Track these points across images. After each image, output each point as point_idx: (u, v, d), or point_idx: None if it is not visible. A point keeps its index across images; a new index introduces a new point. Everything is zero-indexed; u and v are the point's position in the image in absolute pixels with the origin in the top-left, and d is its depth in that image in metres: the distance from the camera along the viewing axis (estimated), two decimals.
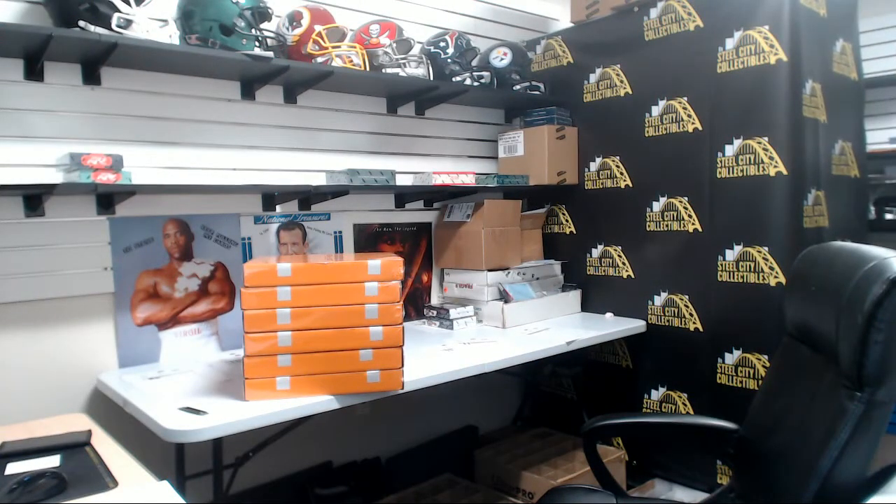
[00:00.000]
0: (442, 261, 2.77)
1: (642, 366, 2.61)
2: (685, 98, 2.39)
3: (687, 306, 2.42)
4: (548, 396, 3.05)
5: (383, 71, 2.32)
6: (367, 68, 2.28)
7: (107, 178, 1.69)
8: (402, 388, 1.67)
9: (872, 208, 3.04)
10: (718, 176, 2.30)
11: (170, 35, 1.83)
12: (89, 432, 1.49)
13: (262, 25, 2.03)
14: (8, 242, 1.79)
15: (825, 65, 2.39)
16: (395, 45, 2.34)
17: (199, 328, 2.14)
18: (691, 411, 2.43)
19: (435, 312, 2.55)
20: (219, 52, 1.89)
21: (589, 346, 2.38)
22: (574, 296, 2.79)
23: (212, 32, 1.89)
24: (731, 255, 2.27)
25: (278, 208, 2.31)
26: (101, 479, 1.23)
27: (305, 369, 1.58)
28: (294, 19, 2.17)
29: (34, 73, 1.80)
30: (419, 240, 2.77)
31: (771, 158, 2.16)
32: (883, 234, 2.95)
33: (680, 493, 2.45)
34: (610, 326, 2.48)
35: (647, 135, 2.53)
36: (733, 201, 2.26)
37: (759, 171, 2.19)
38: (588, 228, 2.80)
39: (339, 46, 2.21)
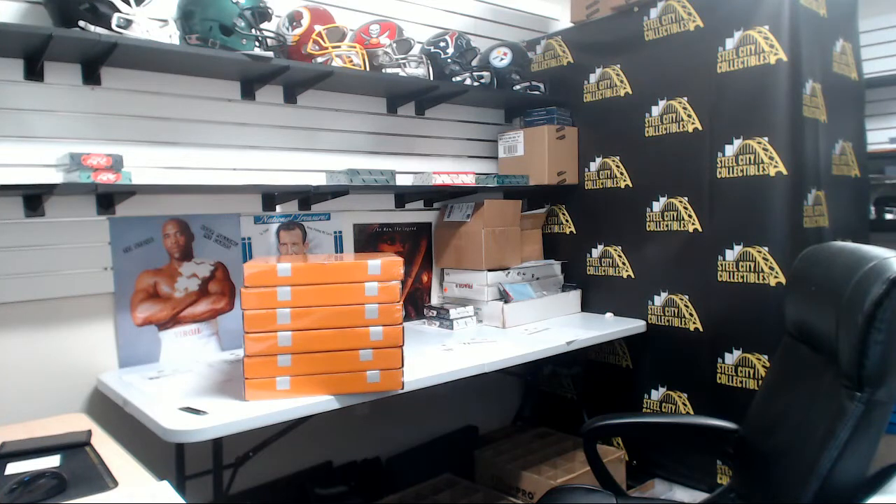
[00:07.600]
0: (442, 261, 2.77)
1: (642, 366, 2.61)
2: (685, 98, 2.39)
3: (687, 306, 2.42)
4: (548, 396, 3.05)
5: (383, 71, 2.32)
6: (367, 68, 2.28)
7: (107, 178, 1.69)
8: (402, 388, 1.67)
9: (872, 208, 3.04)
10: (718, 176, 2.30)
11: (170, 35, 1.83)
12: (89, 432, 1.49)
13: (262, 25, 2.03)
14: (8, 242, 1.79)
15: (825, 65, 2.39)
16: (395, 45, 2.34)
17: (199, 328, 2.14)
18: (691, 411, 2.43)
19: (435, 312, 2.55)
20: (219, 52, 1.89)
21: (589, 346, 2.38)
22: (574, 296, 2.79)
23: (212, 32, 1.89)
24: (731, 255, 2.27)
25: (278, 208, 2.31)
26: (101, 479, 1.23)
27: (305, 369, 1.58)
28: (294, 19, 2.17)
29: (34, 73, 1.80)
30: (419, 240, 2.77)
31: (771, 158, 2.16)
32: (883, 234, 2.95)
33: (680, 493, 2.45)
34: (610, 326, 2.48)
35: (647, 135, 2.53)
36: (733, 201, 2.26)
37: (759, 171, 2.19)
38: (588, 228, 2.80)
39: (339, 46, 2.21)
